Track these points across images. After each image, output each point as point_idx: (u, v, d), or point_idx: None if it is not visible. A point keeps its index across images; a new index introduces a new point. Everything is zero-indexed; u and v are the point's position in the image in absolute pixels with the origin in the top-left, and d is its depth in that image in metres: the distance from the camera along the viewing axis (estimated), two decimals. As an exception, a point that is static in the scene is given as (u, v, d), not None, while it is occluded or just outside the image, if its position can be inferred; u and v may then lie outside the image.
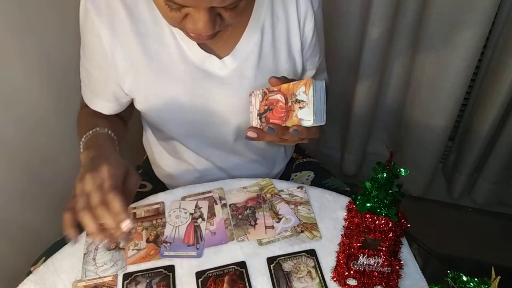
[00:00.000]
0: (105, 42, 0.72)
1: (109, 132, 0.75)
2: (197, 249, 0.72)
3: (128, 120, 0.90)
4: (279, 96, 0.64)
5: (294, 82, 0.63)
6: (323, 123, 0.63)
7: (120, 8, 0.70)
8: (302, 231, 0.74)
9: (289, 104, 0.63)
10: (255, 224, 0.75)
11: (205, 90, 0.77)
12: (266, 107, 0.66)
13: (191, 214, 0.77)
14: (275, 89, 0.66)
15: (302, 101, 0.61)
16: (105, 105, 0.82)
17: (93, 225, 0.57)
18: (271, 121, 0.65)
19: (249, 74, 0.77)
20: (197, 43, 0.73)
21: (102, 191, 0.58)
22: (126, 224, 0.57)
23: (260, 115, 0.67)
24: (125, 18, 0.71)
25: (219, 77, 0.76)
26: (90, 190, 0.58)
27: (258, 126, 0.67)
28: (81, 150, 0.72)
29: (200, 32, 0.59)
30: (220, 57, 0.75)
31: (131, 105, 0.84)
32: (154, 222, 0.76)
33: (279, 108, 0.64)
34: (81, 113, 0.87)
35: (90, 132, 0.74)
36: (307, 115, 0.61)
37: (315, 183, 0.96)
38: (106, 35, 0.71)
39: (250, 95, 0.70)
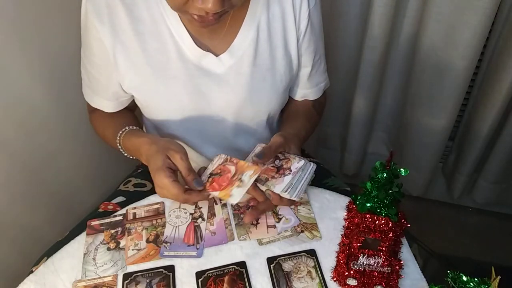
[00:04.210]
0: (106, 42, 0.73)
1: (134, 127, 0.81)
2: (197, 249, 0.71)
3: (134, 110, 0.92)
4: (232, 168, 0.72)
5: (248, 164, 0.71)
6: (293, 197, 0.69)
7: (119, 7, 0.71)
8: (302, 231, 0.74)
9: (234, 178, 0.70)
10: (257, 223, 0.75)
11: (203, 87, 0.78)
12: (219, 171, 0.72)
13: (191, 214, 0.77)
14: (234, 160, 0.73)
15: (243, 181, 0.68)
16: (105, 104, 0.84)
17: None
18: (212, 184, 0.71)
19: (245, 71, 0.78)
20: (194, 41, 0.74)
21: (173, 195, 0.68)
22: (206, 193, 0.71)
23: (211, 174, 0.73)
24: (125, 17, 0.72)
25: (216, 74, 0.77)
26: (166, 196, 0.70)
27: (204, 182, 0.72)
28: (123, 152, 0.82)
29: (209, 9, 0.59)
30: (216, 55, 0.76)
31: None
32: (154, 222, 0.76)
33: (225, 178, 0.71)
34: (95, 117, 0.89)
35: (119, 134, 0.80)
36: (237, 194, 0.67)
37: (315, 183, 0.96)
38: (107, 35, 0.72)
39: (216, 155, 0.77)
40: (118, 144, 0.81)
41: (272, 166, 0.72)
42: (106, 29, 0.72)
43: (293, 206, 0.78)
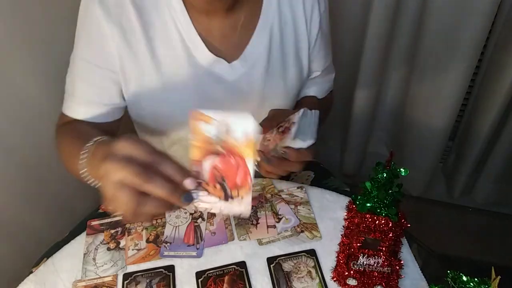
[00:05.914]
0: (114, 45, 0.69)
1: (109, 138, 0.61)
2: (197, 249, 0.72)
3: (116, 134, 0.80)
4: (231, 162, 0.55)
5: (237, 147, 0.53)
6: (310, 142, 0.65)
7: (131, 13, 0.68)
8: (302, 231, 0.74)
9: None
10: (257, 223, 0.75)
11: (213, 95, 0.75)
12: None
13: (191, 214, 0.77)
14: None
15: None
16: (96, 111, 0.74)
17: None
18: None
19: (258, 78, 0.76)
20: (206, 46, 0.71)
21: (135, 163, 0.44)
22: (189, 182, 0.46)
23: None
24: (136, 22, 0.68)
25: (228, 82, 0.75)
26: (119, 176, 0.43)
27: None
28: (84, 169, 0.59)
29: None
30: (228, 60, 0.73)
31: (118, 120, 0.77)
32: (154, 222, 0.76)
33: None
34: (62, 132, 0.75)
35: (87, 146, 0.60)
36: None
37: (315, 183, 0.96)
38: (116, 37, 0.68)
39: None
40: (82, 147, 0.60)
41: (277, 134, 0.67)
42: (116, 32, 0.68)
43: (293, 206, 0.78)
